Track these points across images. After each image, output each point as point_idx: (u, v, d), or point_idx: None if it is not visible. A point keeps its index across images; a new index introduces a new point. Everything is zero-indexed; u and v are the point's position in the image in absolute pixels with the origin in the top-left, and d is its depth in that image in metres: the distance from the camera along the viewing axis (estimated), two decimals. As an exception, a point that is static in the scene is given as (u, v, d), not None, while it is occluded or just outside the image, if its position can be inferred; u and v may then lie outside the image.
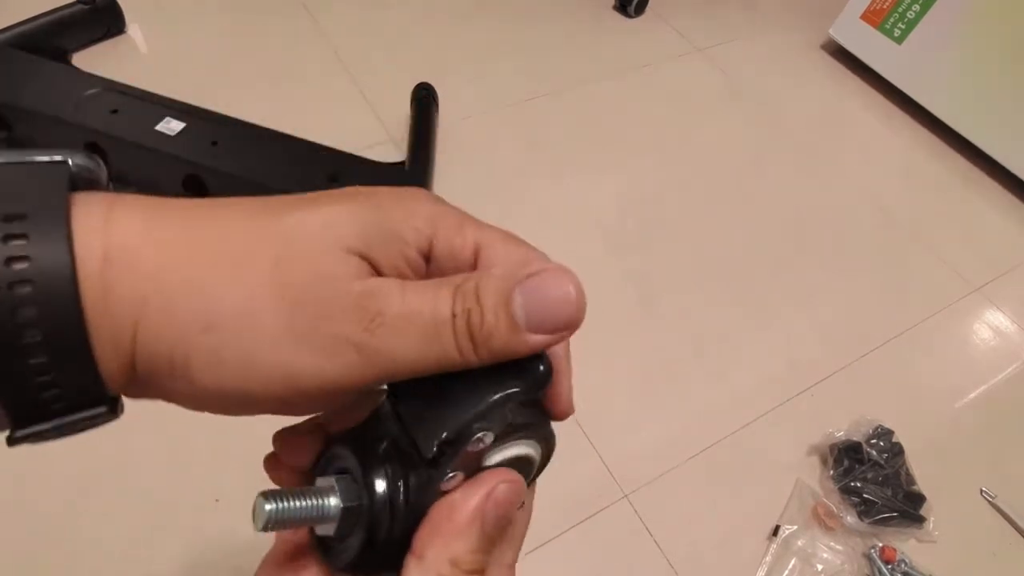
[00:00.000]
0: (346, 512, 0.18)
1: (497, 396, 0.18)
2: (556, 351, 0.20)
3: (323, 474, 0.20)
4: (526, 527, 0.23)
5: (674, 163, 0.97)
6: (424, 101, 0.89)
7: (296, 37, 1.02)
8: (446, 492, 0.19)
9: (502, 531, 0.20)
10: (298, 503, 0.17)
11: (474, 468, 0.19)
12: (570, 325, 0.18)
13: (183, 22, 1.01)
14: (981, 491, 0.71)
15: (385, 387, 0.20)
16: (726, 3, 1.26)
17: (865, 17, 1.13)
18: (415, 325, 0.17)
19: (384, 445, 0.19)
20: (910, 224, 0.96)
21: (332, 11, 1.06)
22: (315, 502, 0.18)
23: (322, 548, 0.20)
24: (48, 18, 0.89)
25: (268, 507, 0.17)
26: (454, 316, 0.17)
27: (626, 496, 0.65)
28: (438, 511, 0.19)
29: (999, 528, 0.69)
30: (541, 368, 0.19)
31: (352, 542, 0.19)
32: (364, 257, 0.18)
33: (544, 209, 0.87)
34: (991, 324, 0.87)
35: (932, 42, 1.06)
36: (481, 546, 0.19)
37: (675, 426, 0.71)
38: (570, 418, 0.21)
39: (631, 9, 1.16)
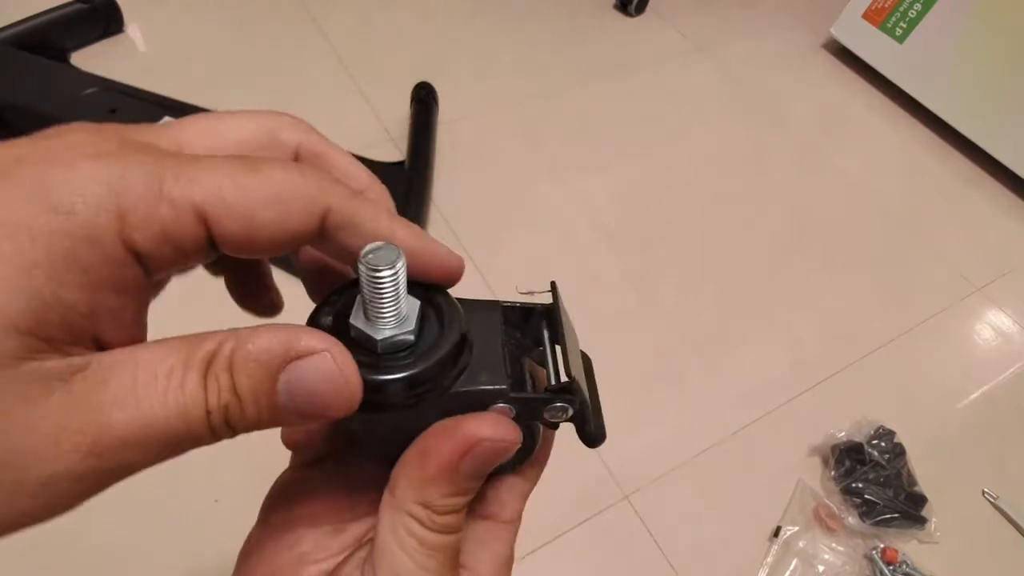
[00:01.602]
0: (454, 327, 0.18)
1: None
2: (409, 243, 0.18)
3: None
4: (546, 458, 0.23)
5: (674, 163, 0.96)
6: (424, 101, 0.89)
7: (296, 36, 1.02)
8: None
9: (481, 477, 0.18)
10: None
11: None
12: (343, 409, 0.16)
13: (182, 21, 1.01)
14: (983, 492, 0.71)
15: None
16: (726, 2, 1.26)
17: (867, 16, 1.13)
18: (157, 438, 0.13)
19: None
20: (911, 224, 0.96)
21: (332, 10, 1.06)
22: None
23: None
24: (47, 17, 0.89)
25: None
26: (208, 414, 0.14)
27: (626, 497, 0.65)
28: (412, 452, 0.18)
29: (1001, 529, 0.69)
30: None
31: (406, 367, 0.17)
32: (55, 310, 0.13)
33: (544, 209, 0.87)
34: (993, 324, 0.86)
35: (934, 41, 1.05)
36: (456, 491, 0.18)
37: (675, 427, 0.70)
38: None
39: (631, 8, 1.15)
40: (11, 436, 0.12)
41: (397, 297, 0.16)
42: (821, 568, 0.63)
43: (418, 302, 0.18)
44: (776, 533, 0.64)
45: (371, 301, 0.16)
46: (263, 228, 0.15)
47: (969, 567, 0.66)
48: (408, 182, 0.80)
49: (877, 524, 0.64)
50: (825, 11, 1.21)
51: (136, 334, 0.15)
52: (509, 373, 0.18)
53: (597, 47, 1.11)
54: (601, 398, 0.21)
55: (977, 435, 0.75)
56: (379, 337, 0.17)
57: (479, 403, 0.18)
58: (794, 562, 0.62)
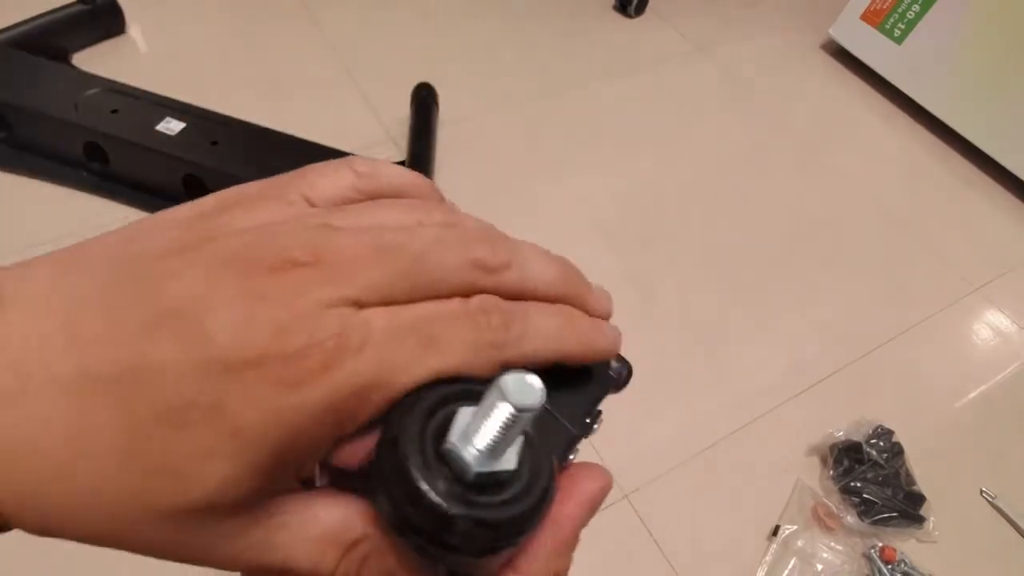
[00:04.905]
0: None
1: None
2: (572, 352, 0.18)
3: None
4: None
5: (674, 163, 0.97)
6: (424, 101, 0.89)
7: (296, 37, 1.02)
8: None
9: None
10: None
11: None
12: None
13: (183, 22, 1.01)
14: (981, 491, 0.71)
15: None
16: (726, 3, 1.26)
17: (865, 17, 1.13)
18: None
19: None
20: (910, 224, 0.96)
21: (333, 11, 1.06)
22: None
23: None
24: (48, 18, 0.89)
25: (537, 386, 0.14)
26: None
27: (626, 496, 0.65)
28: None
29: (999, 528, 0.69)
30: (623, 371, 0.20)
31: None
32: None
33: (544, 209, 0.87)
34: (991, 324, 0.87)
35: (932, 42, 1.06)
36: (573, 551, 0.17)
37: (675, 426, 0.71)
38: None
39: (631, 9, 1.16)
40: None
41: (514, 435, 0.14)
42: (820, 567, 0.63)
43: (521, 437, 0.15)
44: (775, 532, 0.64)
45: (486, 430, 0.14)
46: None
47: (967, 566, 0.66)
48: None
49: (875, 523, 0.65)
50: (824, 12, 1.21)
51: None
52: (580, 417, 0.18)
53: (597, 47, 1.11)
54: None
55: (975, 434, 0.75)
56: (481, 469, 0.14)
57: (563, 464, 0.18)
58: (793, 561, 0.63)
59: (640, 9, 1.17)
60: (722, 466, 0.68)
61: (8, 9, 0.88)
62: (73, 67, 0.89)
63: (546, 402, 0.16)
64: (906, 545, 0.65)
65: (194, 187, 0.76)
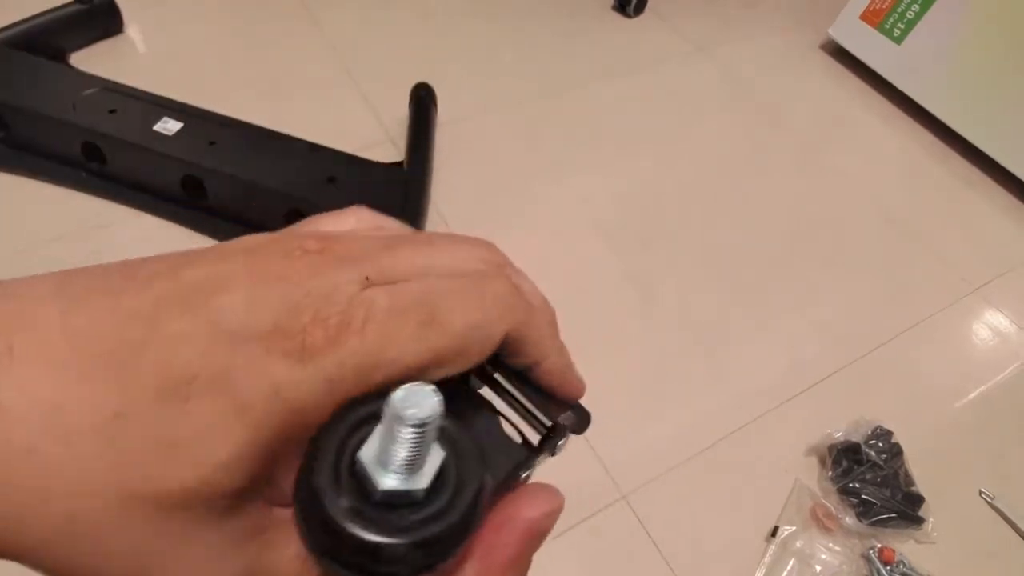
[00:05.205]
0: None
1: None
2: (543, 339, 0.18)
3: None
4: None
5: (674, 163, 0.97)
6: (423, 101, 0.89)
7: (295, 36, 1.02)
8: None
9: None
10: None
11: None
12: None
13: (181, 22, 1.01)
14: (980, 492, 0.71)
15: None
16: (725, 3, 1.26)
17: (864, 17, 1.13)
18: None
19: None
20: (909, 224, 0.96)
21: (332, 11, 1.06)
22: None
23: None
24: (46, 18, 0.89)
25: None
26: None
27: (624, 497, 0.65)
28: (472, 553, 0.16)
29: (998, 529, 0.69)
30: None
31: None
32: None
33: (544, 209, 0.87)
34: (990, 324, 0.86)
35: (931, 42, 1.06)
36: None
37: (673, 426, 0.71)
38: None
39: (630, 9, 1.16)
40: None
41: (420, 450, 0.14)
42: (818, 568, 0.63)
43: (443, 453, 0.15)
44: (773, 533, 0.64)
45: (386, 446, 0.14)
46: (447, 372, 0.15)
47: (966, 567, 0.66)
48: (407, 182, 0.80)
49: (874, 524, 0.64)
50: (824, 12, 1.21)
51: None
52: (521, 440, 0.17)
53: (597, 47, 1.11)
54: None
55: (974, 435, 0.75)
56: (385, 487, 0.14)
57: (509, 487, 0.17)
58: (791, 562, 0.63)
59: (639, 9, 1.17)
60: (721, 466, 0.68)
61: (6, 9, 0.87)
62: (71, 67, 0.89)
63: (492, 420, 0.16)
64: (905, 546, 0.65)
65: (192, 187, 0.76)
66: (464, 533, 0.14)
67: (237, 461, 0.13)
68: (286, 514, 0.15)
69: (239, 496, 0.14)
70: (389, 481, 0.13)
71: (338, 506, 0.13)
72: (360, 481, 0.14)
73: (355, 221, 0.19)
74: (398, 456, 0.13)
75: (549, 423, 0.18)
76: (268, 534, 0.14)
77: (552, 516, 0.17)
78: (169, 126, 0.76)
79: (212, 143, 0.76)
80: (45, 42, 0.88)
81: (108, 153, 0.76)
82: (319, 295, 0.14)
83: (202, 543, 0.13)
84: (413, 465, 0.14)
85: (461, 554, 0.15)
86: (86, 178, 0.78)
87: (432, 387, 0.13)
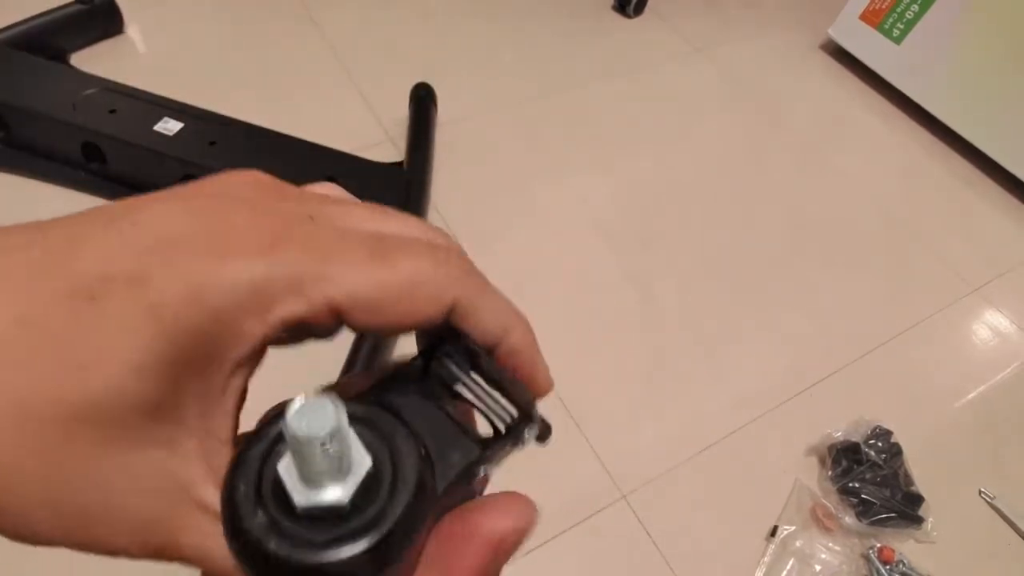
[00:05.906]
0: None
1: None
2: (518, 341, 0.17)
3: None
4: None
5: (673, 163, 0.97)
6: (423, 101, 0.89)
7: (295, 37, 1.02)
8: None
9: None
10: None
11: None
12: None
13: (181, 22, 1.01)
14: (980, 491, 0.71)
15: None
16: (725, 3, 1.26)
17: (864, 17, 1.13)
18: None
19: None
20: (909, 224, 0.96)
21: (331, 11, 1.06)
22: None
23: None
24: (46, 18, 0.89)
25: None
26: None
27: (624, 497, 0.65)
28: (427, 567, 0.15)
29: (998, 528, 0.69)
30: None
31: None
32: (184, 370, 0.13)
33: (544, 209, 0.87)
34: (990, 324, 0.86)
35: (931, 42, 1.06)
36: None
37: (673, 426, 0.71)
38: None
39: (630, 9, 1.16)
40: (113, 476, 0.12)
41: (331, 463, 0.13)
42: (818, 568, 0.63)
43: (369, 460, 0.14)
44: (773, 533, 0.64)
45: (299, 463, 0.13)
46: (392, 318, 0.15)
47: (966, 566, 0.66)
48: (406, 182, 0.80)
49: (874, 524, 0.64)
50: (824, 12, 1.21)
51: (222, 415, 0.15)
52: (474, 437, 0.16)
53: (597, 47, 1.11)
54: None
55: (974, 435, 0.75)
56: (305, 503, 0.13)
57: (465, 486, 0.16)
58: (791, 562, 0.63)
59: (639, 9, 1.17)
60: (720, 466, 0.68)
61: (6, 9, 0.88)
62: (71, 67, 0.89)
63: (447, 412, 0.15)
64: (904, 546, 0.65)
65: (192, 187, 0.76)
66: (399, 546, 0.13)
67: (150, 364, 0.12)
68: (202, 447, 0.14)
69: (151, 414, 0.12)
70: (303, 496, 0.13)
71: (254, 520, 0.13)
72: (281, 495, 0.13)
73: (319, 189, 0.18)
74: (310, 470, 0.13)
75: (515, 411, 0.16)
76: (181, 461, 0.13)
77: (521, 532, 0.15)
78: (169, 126, 0.76)
79: (212, 143, 0.76)
80: (45, 42, 0.88)
81: (108, 153, 0.76)
82: (260, 211, 0.14)
83: (113, 466, 0.12)
84: (330, 476, 0.13)
85: (405, 568, 0.14)
86: (86, 178, 0.78)
87: (330, 398, 0.12)
